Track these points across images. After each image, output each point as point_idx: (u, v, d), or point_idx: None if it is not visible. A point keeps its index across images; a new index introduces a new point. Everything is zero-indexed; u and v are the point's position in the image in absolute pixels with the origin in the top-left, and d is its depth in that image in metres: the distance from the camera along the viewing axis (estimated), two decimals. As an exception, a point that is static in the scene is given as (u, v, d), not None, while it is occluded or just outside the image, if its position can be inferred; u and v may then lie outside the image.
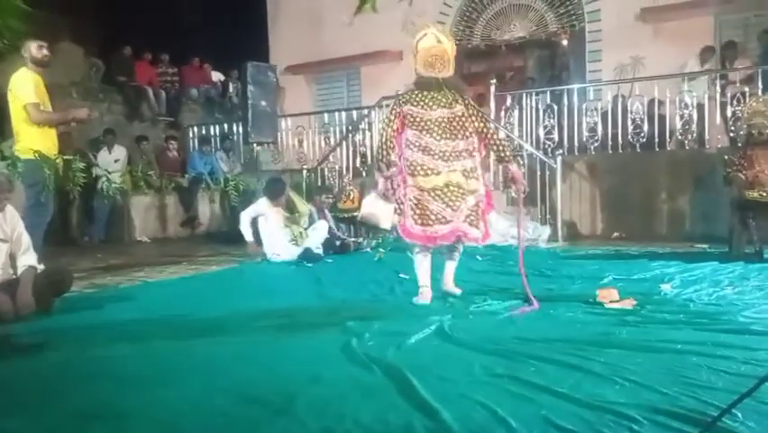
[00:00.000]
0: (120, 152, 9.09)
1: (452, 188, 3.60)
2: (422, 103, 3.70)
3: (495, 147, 3.79)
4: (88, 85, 10.40)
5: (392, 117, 3.73)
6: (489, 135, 3.77)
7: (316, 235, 6.31)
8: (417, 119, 3.67)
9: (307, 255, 5.99)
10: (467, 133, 3.69)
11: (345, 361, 2.52)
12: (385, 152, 3.66)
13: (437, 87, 3.70)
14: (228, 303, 3.96)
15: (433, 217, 3.59)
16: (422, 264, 3.77)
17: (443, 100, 3.69)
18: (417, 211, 3.61)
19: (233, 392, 2.15)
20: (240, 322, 3.31)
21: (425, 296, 3.71)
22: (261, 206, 6.20)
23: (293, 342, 2.90)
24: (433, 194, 3.59)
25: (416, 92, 3.74)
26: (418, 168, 3.62)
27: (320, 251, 6.20)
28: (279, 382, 2.26)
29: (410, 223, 3.64)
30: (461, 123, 3.68)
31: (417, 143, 3.64)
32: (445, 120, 3.66)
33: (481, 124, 3.75)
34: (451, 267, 3.97)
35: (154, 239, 9.07)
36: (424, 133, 3.65)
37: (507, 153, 3.83)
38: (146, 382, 2.30)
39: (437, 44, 3.69)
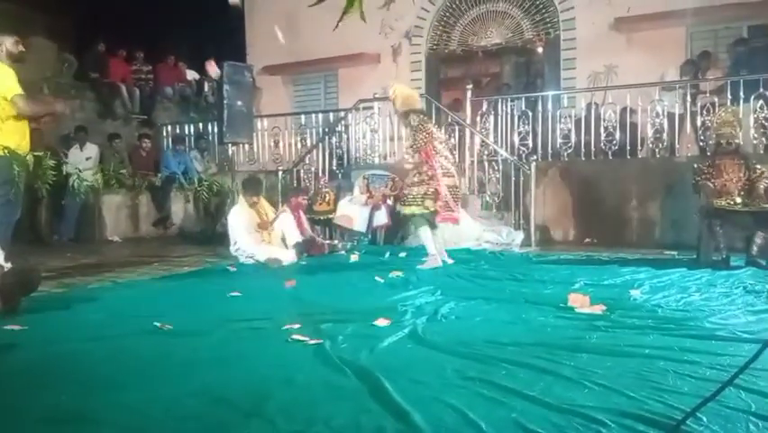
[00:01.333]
0: (92, 149, 8.96)
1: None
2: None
3: None
4: (60, 81, 10.22)
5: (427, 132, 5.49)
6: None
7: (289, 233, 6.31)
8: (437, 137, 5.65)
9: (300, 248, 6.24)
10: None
11: (318, 363, 2.52)
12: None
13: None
14: (200, 305, 3.92)
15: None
16: (433, 237, 5.55)
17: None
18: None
19: (204, 395, 2.13)
20: (211, 324, 3.28)
21: (437, 260, 5.42)
22: (241, 209, 6.15)
23: (265, 344, 2.88)
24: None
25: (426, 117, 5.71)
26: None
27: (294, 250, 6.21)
28: (251, 384, 2.25)
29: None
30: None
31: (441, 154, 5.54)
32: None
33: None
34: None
35: (125, 239, 8.94)
36: (442, 145, 5.64)
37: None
38: (115, 385, 2.27)
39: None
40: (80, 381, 2.34)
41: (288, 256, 6.06)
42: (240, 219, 6.09)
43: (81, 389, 2.24)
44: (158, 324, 3.19)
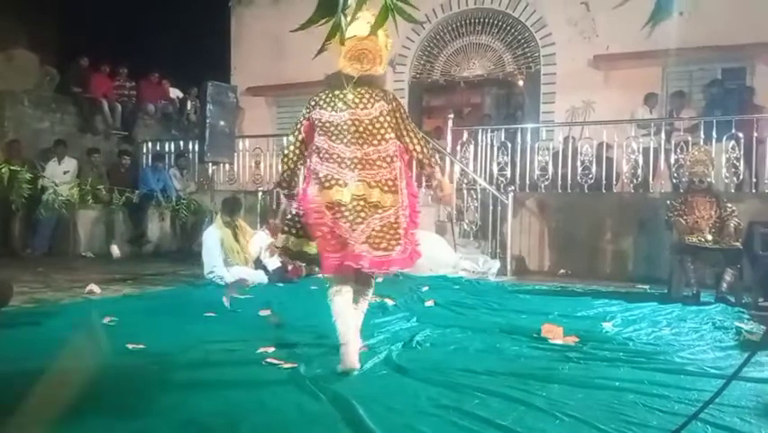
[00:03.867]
0: (70, 163, 8.89)
1: (354, 203, 2.92)
2: (331, 104, 3.02)
3: (414, 152, 3.07)
4: (41, 93, 10.15)
5: (298, 126, 3.13)
6: (403, 138, 3.06)
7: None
8: (326, 124, 3.01)
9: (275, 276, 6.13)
10: (383, 138, 3.00)
11: (292, 387, 2.51)
12: (286, 169, 3.18)
13: (354, 86, 3.01)
14: (173, 325, 3.89)
15: (334, 241, 2.91)
16: (341, 310, 2.94)
17: (356, 100, 3.00)
18: (322, 233, 2.93)
19: (175, 418, 2.11)
20: (185, 345, 3.25)
21: (349, 358, 2.80)
22: (217, 229, 6.12)
23: (239, 366, 2.87)
24: (337, 210, 2.90)
25: (327, 92, 3.06)
26: (323, 180, 2.96)
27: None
28: (223, 407, 2.24)
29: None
30: (375, 126, 2.99)
31: (327, 152, 2.99)
32: (356, 123, 2.98)
33: (395, 123, 3.04)
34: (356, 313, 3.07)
35: (100, 255, 8.82)
36: (333, 139, 2.99)
37: (428, 160, 3.09)
38: (84, 407, 2.23)
39: (367, 37, 2.91)
40: (46, 403, 2.29)
41: (257, 277, 6.05)
42: (214, 240, 6.05)
43: (46, 411, 2.20)
44: (129, 345, 3.15)
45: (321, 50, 1.87)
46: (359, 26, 2.80)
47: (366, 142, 2.97)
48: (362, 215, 2.90)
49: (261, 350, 3.13)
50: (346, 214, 2.88)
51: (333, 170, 2.95)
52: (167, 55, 12.43)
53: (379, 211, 2.92)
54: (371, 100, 3.01)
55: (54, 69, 10.72)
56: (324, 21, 1.64)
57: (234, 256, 6.13)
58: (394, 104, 3.05)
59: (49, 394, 2.24)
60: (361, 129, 2.98)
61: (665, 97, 9.34)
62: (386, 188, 2.95)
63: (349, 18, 1.70)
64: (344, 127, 2.98)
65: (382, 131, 3.00)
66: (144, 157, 10.71)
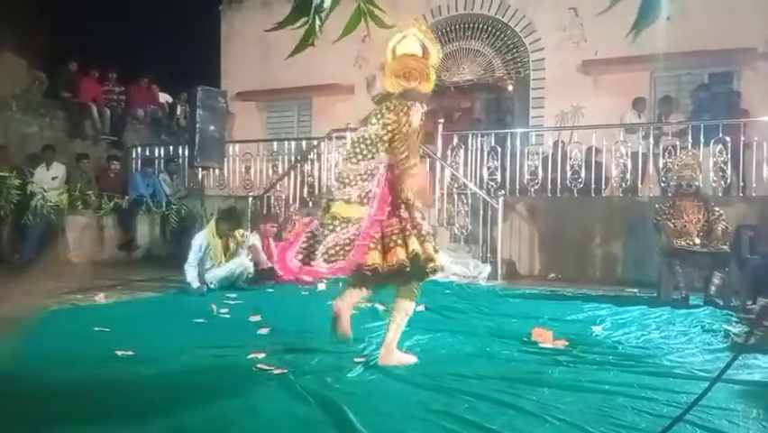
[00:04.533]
0: (58, 169, 8.83)
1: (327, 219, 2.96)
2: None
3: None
4: (30, 98, 10.08)
5: None
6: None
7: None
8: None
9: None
10: (376, 153, 2.97)
11: (282, 393, 2.51)
12: None
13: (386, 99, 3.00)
14: (163, 331, 3.87)
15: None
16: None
17: (378, 114, 3.00)
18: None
19: (164, 425, 2.10)
20: (174, 351, 3.24)
21: (341, 327, 3.00)
22: (205, 235, 6.09)
23: (229, 372, 2.86)
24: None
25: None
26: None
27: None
28: (214, 413, 2.23)
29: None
30: (372, 140, 2.98)
31: None
32: (359, 139, 3.02)
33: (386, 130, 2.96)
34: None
35: (89, 261, 8.76)
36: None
37: (400, 157, 2.91)
38: (73, 415, 2.22)
39: (419, 56, 3.01)
40: (34, 410, 2.28)
41: (240, 266, 6.10)
42: (197, 244, 6.01)
43: (35, 418, 2.19)
44: (118, 352, 3.13)
45: (293, 53, 1.89)
46: (410, 44, 2.96)
47: (361, 157, 2.99)
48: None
49: (252, 356, 3.12)
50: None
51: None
52: (156, 59, 12.40)
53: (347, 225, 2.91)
54: (384, 112, 3.00)
55: (43, 74, 10.65)
56: (300, 23, 1.65)
57: (218, 259, 6.09)
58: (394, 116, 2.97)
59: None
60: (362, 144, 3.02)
61: (653, 102, 9.42)
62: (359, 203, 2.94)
63: (323, 18, 1.71)
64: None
65: (372, 148, 2.98)
66: (134, 162, 10.66)
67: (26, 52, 10.77)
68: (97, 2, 13.69)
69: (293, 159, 9.67)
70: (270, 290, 6.02)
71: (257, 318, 4.36)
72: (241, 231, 6.37)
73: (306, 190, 9.31)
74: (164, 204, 9.42)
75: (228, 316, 4.54)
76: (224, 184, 10.00)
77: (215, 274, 6.01)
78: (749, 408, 2.46)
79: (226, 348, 3.34)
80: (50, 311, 4.54)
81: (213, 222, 6.21)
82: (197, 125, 7.42)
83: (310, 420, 2.19)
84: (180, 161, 10.22)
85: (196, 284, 5.79)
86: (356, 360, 3.08)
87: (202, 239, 6.02)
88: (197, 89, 7.53)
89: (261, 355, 3.12)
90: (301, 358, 3.06)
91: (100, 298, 5.22)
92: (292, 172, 9.31)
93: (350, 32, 1.83)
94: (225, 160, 8.99)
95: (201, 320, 4.25)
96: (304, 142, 10.21)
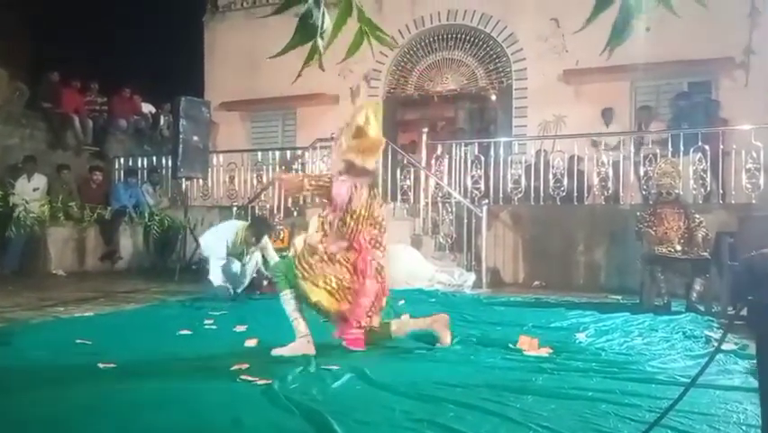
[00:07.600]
0: (40, 180, 8.75)
1: None
2: None
3: None
4: (11, 109, 9.99)
5: None
6: None
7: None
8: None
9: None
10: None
11: (267, 404, 2.49)
12: None
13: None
14: (146, 343, 3.83)
15: None
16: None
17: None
18: None
19: (148, 436, 2.09)
20: (157, 363, 3.21)
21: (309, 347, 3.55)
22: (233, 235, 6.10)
23: (213, 384, 2.84)
24: None
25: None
26: None
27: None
28: (197, 425, 2.22)
29: None
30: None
31: None
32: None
33: None
34: None
35: (71, 273, 8.67)
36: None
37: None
38: (56, 429, 2.20)
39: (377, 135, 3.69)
40: (18, 423, 2.26)
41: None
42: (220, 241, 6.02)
43: (15, 431, 2.17)
44: (100, 364, 3.10)
45: (299, 75, 1.92)
46: (375, 128, 3.64)
47: None
48: None
49: (236, 367, 3.10)
50: None
51: None
52: (139, 70, 12.37)
53: None
54: None
55: (24, 85, 10.56)
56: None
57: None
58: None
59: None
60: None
61: (632, 111, 9.54)
62: None
63: (326, 44, 1.75)
64: None
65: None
66: (116, 173, 10.61)
67: (7, 63, 10.67)
68: (79, 12, 13.62)
69: (278, 169, 9.66)
70: (257, 300, 5.99)
71: (242, 329, 4.34)
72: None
73: (290, 200, 9.30)
74: (147, 215, 9.38)
75: (214, 327, 4.51)
76: (209, 194, 9.97)
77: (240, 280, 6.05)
78: (729, 412, 2.49)
79: (210, 359, 3.32)
80: (32, 324, 4.49)
81: (241, 227, 6.16)
82: (181, 136, 7.42)
83: (294, 431, 2.18)
84: (163, 171, 10.19)
85: (226, 285, 5.87)
86: (341, 369, 3.07)
87: (229, 234, 6.00)
88: (181, 99, 7.52)
89: (245, 366, 3.10)
90: (286, 368, 3.04)
91: (82, 310, 5.16)
92: (277, 182, 9.29)
93: (352, 53, 1.86)
94: (209, 170, 8.98)
95: (186, 332, 4.21)
96: (288, 152, 10.21)
